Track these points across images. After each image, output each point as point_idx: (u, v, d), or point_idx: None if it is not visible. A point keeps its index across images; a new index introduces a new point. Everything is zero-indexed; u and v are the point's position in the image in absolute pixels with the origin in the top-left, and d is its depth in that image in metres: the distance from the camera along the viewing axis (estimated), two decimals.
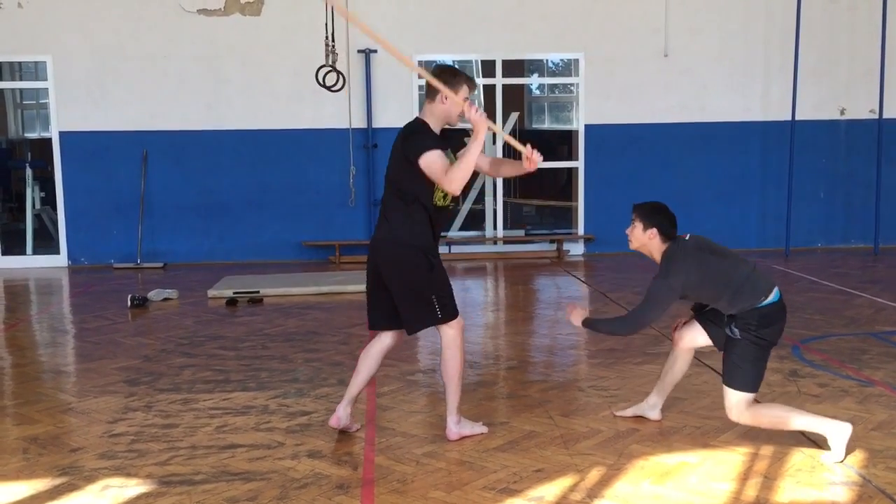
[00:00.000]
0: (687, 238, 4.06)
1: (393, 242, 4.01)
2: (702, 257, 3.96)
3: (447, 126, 4.12)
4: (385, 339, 4.25)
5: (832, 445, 3.84)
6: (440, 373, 4.23)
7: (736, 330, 3.92)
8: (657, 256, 4.06)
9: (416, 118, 4.12)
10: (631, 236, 4.11)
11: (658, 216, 4.05)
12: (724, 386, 3.96)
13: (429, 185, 3.95)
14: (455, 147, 4.19)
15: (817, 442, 4.03)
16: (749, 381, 3.90)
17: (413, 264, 3.99)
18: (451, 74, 4.04)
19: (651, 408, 4.42)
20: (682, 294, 3.98)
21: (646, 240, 4.04)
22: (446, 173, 3.84)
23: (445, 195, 4.04)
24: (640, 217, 4.07)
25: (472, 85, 4.07)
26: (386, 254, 4.03)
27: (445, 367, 4.11)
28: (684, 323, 4.31)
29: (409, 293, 4.01)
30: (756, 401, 3.98)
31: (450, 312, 4.06)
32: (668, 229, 4.04)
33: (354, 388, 4.26)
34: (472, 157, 3.86)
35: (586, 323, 4.14)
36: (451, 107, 4.01)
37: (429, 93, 4.06)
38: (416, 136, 3.98)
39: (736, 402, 3.92)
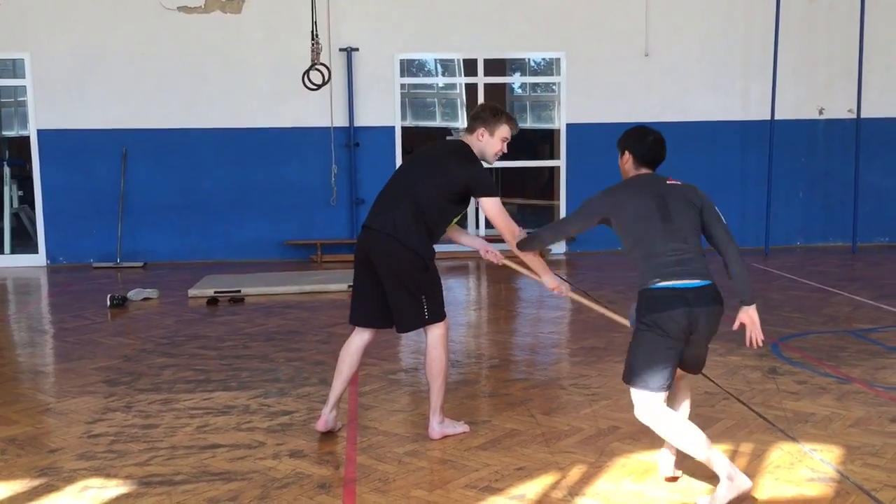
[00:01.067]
0: (658, 177, 3.63)
1: (394, 239, 3.98)
2: (643, 198, 3.49)
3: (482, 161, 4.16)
4: (364, 335, 4.24)
5: (720, 492, 3.21)
6: (424, 372, 4.23)
7: (633, 313, 3.47)
8: None
9: (464, 142, 4.14)
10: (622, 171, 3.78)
11: (629, 140, 3.68)
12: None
13: (455, 212, 4.08)
14: None
15: (796, 438, 4.07)
16: (634, 370, 3.34)
17: (410, 263, 4.00)
18: (491, 113, 4.12)
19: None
20: (604, 216, 3.57)
21: (623, 166, 3.70)
22: (511, 228, 4.06)
23: (462, 218, 4.14)
24: (620, 144, 3.75)
25: (512, 125, 4.12)
26: (382, 247, 3.99)
27: (430, 366, 4.11)
28: None
29: (401, 291, 4.02)
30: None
31: (437, 314, 4.07)
32: (643, 154, 3.62)
33: (338, 388, 4.24)
34: (531, 262, 4.17)
35: (520, 245, 4.03)
36: (487, 146, 4.11)
37: (469, 126, 4.14)
38: (481, 169, 4.04)
39: (634, 399, 3.38)
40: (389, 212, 4.03)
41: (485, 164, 4.13)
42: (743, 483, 3.21)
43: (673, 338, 3.35)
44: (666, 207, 3.50)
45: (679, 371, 3.56)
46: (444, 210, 4.08)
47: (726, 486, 3.20)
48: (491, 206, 4.04)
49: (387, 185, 4.24)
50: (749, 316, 3.63)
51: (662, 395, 3.35)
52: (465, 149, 4.12)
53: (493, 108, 4.18)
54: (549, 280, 4.14)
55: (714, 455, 3.25)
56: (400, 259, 3.98)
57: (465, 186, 4.01)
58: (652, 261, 3.41)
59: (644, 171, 3.68)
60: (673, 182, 3.63)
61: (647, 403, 3.34)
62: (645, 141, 3.67)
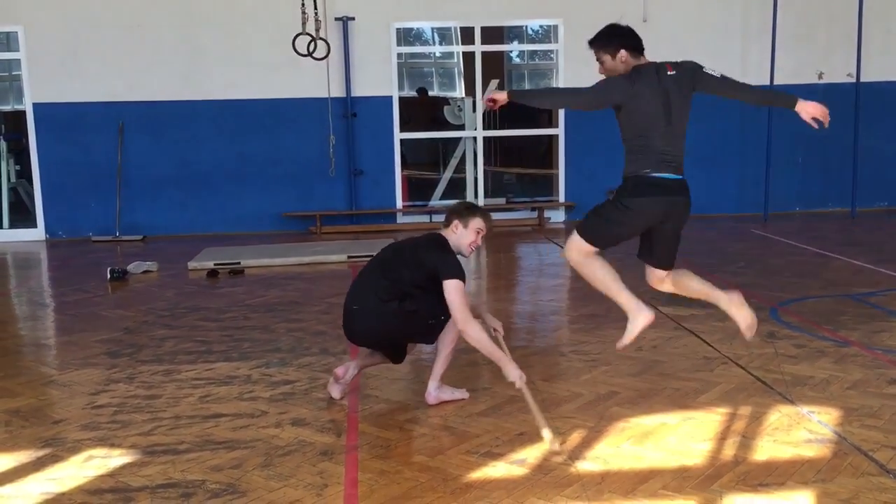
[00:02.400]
0: (661, 66, 3.86)
1: (372, 313, 4.08)
2: (654, 94, 3.79)
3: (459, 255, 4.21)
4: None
5: (628, 328, 3.99)
6: (438, 340, 4.22)
7: (612, 192, 3.96)
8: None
9: (441, 235, 4.21)
10: (604, 72, 3.91)
11: (618, 37, 3.83)
12: (575, 229, 4.06)
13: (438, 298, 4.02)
14: None
15: (794, 401, 4.10)
16: (591, 229, 3.93)
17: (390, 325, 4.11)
18: (465, 207, 4.23)
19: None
20: (619, 103, 3.80)
21: (623, 67, 3.82)
22: (465, 311, 3.95)
23: None
24: (602, 48, 3.85)
25: (486, 218, 4.22)
26: (363, 324, 4.17)
27: (446, 337, 4.15)
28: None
29: (406, 337, 4.30)
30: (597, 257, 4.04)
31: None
32: (635, 45, 3.84)
33: (366, 361, 4.38)
34: (488, 350, 4.01)
35: (513, 95, 4.03)
36: (462, 237, 4.17)
37: (445, 220, 4.23)
38: (451, 256, 4.09)
39: (572, 242, 3.99)
40: (367, 290, 4.12)
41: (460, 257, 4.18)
42: (645, 316, 3.95)
43: (637, 226, 3.90)
44: (669, 107, 3.84)
45: (658, 274, 4.15)
46: (428, 298, 4.08)
47: (631, 322, 3.98)
48: (452, 291, 3.96)
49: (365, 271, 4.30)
50: (811, 104, 4.15)
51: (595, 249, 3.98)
52: (440, 239, 4.19)
53: (468, 204, 4.33)
54: (511, 371, 3.98)
55: (622, 296, 3.97)
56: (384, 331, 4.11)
57: (437, 270, 4.02)
58: (648, 154, 3.79)
59: (642, 59, 3.84)
60: (672, 72, 3.85)
61: (584, 250, 3.97)
62: (633, 33, 3.86)
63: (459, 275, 4.02)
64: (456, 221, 4.19)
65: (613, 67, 3.88)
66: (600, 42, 3.89)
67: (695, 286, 4.09)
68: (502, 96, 4.09)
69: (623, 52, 3.84)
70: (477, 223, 4.19)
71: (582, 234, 3.97)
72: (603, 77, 3.96)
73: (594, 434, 3.78)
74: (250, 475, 3.45)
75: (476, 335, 3.98)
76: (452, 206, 4.31)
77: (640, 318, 4.03)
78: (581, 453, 3.57)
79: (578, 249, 3.97)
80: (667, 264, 4.15)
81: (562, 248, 4.22)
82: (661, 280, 4.22)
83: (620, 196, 3.84)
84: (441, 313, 4.07)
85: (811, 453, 3.51)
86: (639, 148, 3.81)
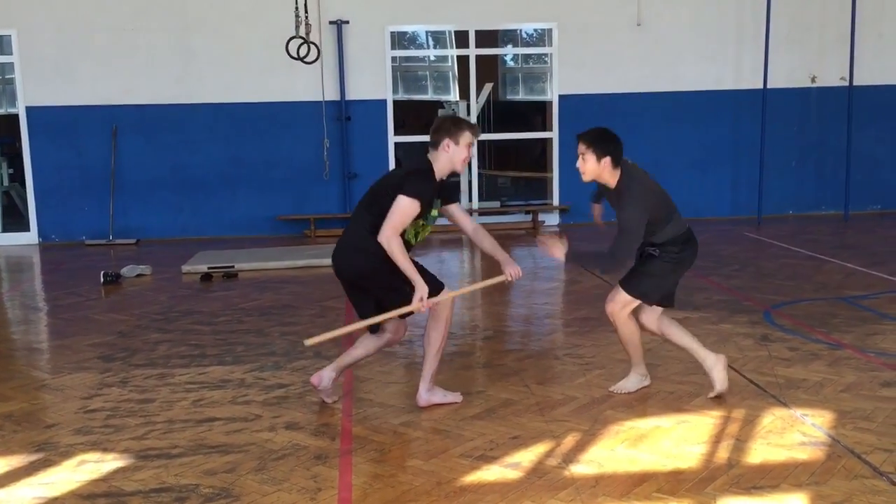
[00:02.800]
0: (630, 162, 4.15)
1: (352, 254, 4.09)
2: (652, 180, 4.13)
3: (452, 173, 4.20)
4: (385, 336, 4.27)
5: (628, 382, 4.32)
6: (423, 341, 4.25)
7: (655, 250, 4.11)
8: (612, 182, 4.09)
9: (427, 160, 4.15)
10: (583, 169, 4.09)
11: (610, 144, 4.04)
12: (619, 285, 4.21)
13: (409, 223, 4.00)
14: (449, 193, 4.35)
15: (788, 404, 4.11)
16: (644, 288, 4.15)
17: (375, 268, 4.04)
18: (452, 123, 4.14)
19: (643, 377, 4.45)
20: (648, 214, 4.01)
21: (600, 170, 4.06)
22: (394, 226, 3.92)
23: (416, 235, 4.15)
24: (591, 148, 4.04)
25: (474, 130, 4.16)
26: (346, 264, 4.13)
27: (430, 336, 4.17)
28: None
29: (389, 293, 4.08)
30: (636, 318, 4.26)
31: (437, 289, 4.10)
32: (619, 156, 4.07)
33: (346, 361, 4.32)
34: (402, 264, 3.95)
35: (571, 257, 4.12)
36: (455, 155, 4.11)
37: (433, 141, 4.13)
38: (417, 176, 4.05)
39: (621, 300, 4.16)
40: (354, 224, 4.13)
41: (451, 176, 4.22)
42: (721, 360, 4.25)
43: (681, 271, 4.22)
44: (661, 187, 4.20)
45: (657, 313, 4.30)
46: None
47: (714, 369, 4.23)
48: (396, 204, 3.94)
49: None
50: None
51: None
52: (419, 165, 4.13)
53: (453, 119, 4.22)
54: (421, 287, 4.00)
55: (700, 351, 4.27)
56: (364, 269, 4.05)
57: (401, 188, 3.98)
58: (678, 219, 4.15)
59: (623, 164, 4.09)
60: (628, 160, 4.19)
61: (629, 307, 4.18)
62: (620, 143, 4.10)
63: (417, 195, 3.96)
64: (447, 140, 4.10)
65: (593, 168, 4.07)
66: (592, 142, 4.07)
67: (685, 341, 4.27)
68: (559, 253, 4.15)
69: (607, 160, 4.03)
70: (467, 137, 4.13)
71: (632, 292, 4.18)
72: (583, 172, 4.14)
73: (588, 437, 3.78)
74: (244, 479, 3.44)
75: (395, 249, 3.91)
76: (438, 124, 4.15)
77: (718, 364, 4.25)
78: (575, 456, 3.57)
79: (626, 306, 4.19)
80: (672, 302, 4.37)
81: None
82: (657, 321, 4.31)
83: (669, 253, 4.12)
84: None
85: (805, 456, 3.52)
86: (668, 218, 4.11)
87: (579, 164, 4.11)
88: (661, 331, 4.27)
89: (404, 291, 4.00)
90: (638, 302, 4.19)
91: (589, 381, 4.60)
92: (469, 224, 4.43)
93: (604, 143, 4.03)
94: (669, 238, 4.12)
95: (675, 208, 4.16)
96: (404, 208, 3.94)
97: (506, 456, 3.60)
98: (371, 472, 3.46)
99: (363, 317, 4.17)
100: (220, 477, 3.46)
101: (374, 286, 4.10)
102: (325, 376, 4.25)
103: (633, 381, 4.39)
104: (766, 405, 4.11)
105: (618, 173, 4.06)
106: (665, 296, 4.28)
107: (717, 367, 4.22)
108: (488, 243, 4.34)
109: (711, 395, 4.23)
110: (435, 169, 4.11)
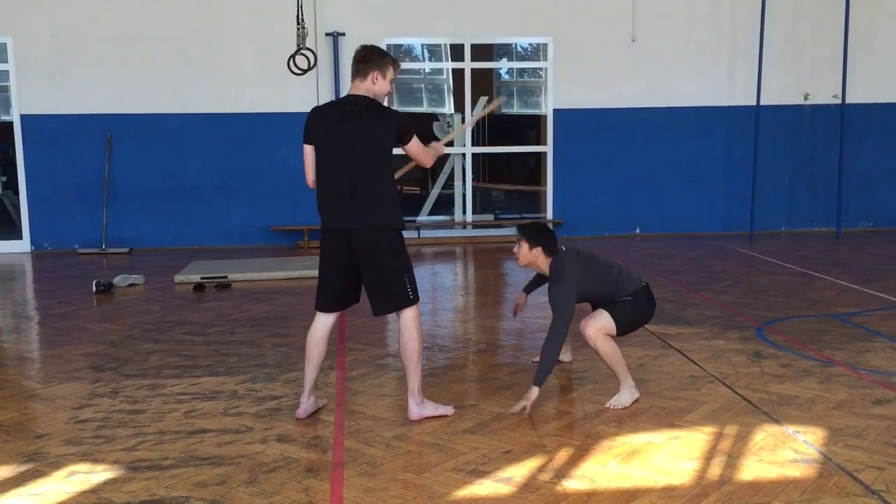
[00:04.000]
0: (565, 249, 4.53)
1: (382, 227, 4.05)
2: (584, 261, 4.47)
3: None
4: (329, 319, 4.28)
5: (621, 397, 4.42)
6: (401, 355, 4.24)
7: (629, 298, 4.52)
8: (545, 269, 4.51)
9: (366, 97, 4.10)
10: (518, 254, 4.52)
11: (541, 235, 4.50)
12: (604, 310, 4.45)
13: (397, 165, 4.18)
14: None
15: (779, 421, 4.11)
16: (623, 320, 4.46)
17: (398, 247, 4.09)
18: (379, 56, 4.14)
19: (633, 390, 4.55)
20: (577, 296, 4.38)
21: (532, 257, 4.49)
22: (427, 154, 4.28)
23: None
24: (525, 238, 4.48)
25: (396, 65, 4.24)
26: (372, 239, 4.04)
27: (405, 347, 4.16)
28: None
29: (387, 277, 4.08)
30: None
31: (417, 294, 4.15)
32: (551, 246, 4.47)
33: (311, 375, 4.29)
34: (439, 150, 4.47)
35: (539, 383, 4.27)
36: (380, 88, 4.15)
37: (359, 71, 4.11)
38: (401, 116, 4.17)
39: (605, 325, 4.41)
40: (363, 198, 4.03)
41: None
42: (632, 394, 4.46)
43: (645, 317, 4.62)
44: (590, 254, 4.57)
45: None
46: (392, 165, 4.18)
47: (624, 393, 4.46)
48: (416, 147, 4.19)
49: (328, 175, 4.12)
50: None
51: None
52: (374, 103, 4.11)
53: (378, 50, 4.18)
54: (441, 146, 4.51)
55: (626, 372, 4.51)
56: (389, 245, 4.06)
57: (402, 137, 4.11)
58: (622, 277, 4.53)
59: (560, 252, 4.46)
60: (564, 247, 4.55)
61: (612, 337, 4.46)
62: (550, 233, 4.56)
63: (414, 131, 4.19)
64: (376, 72, 4.09)
65: (525, 254, 4.48)
66: (528, 233, 4.48)
67: (613, 357, 4.45)
68: (533, 395, 4.27)
69: (539, 249, 4.45)
70: (391, 73, 4.18)
71: (615, 320, 4.44)
72: (517, 258, 4.56)
73: (581, 452, 3.78)
74: (235, 492, 3.42)
75: (433, 155, 4.37)
76: (363, 54, 4.11)
77: (635, 395, 4.47)
78: (568, 471, 3.57)
79: (610, 334, 4.44)
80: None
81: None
82: (604, 335, 4.50)
83: (642, 301, 4.54)
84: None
85: (797, 473, 3.52)
86: (615, 288, 4.50)
87: (515, 249, 4.53)
88: (597, 345, 4.40)
89: (400, 282, 4.09)
90: (614, 332, 4.45)
91: (581, 395, 4.60)
92: None
93: (537, 234, 4.49)
94: (631, 293, 4.50)
95: (622, 276, 4.50)
96: (420, 143, 4.21)
97: (498, 470, 3.59)
98: (363, 486, 3.45)
99: (326, 309, 4.24)
100: (210, 489, 3.45)
101: (381, 266, 4.09)
102: (304, 402, 4.28)
103: (627, 395, 4.44)
104: (758, 422, 4.12)
105: (550, 261, 4.45)
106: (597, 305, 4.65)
107: (628, 393, 4.43)
108: None
109: (608, 404, 4.38)
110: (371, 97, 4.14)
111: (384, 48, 4.45)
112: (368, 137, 4.02)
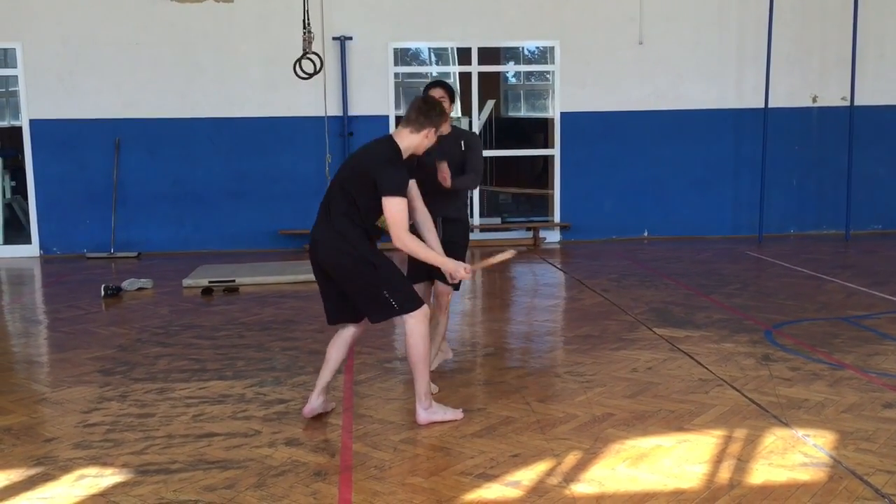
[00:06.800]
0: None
1: (333, 246, 4.06)
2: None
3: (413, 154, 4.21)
4: (350, 329, 4.31)
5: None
6: (408, 359, 4.25)
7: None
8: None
9: (391, 138, 4.16)
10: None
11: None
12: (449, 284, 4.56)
13: (379, 211, 4.03)
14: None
15: (789, 424, 4.09)
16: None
17: (356, 266, 4.05)
18: (438, 114, 4.13)
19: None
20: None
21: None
22: (403, 229, 3.99)
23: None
24: (449, 96, 4.71)
25: (444, 119, 4.22)
26: (327, 255, 4.08)
27: (409, 354, 4.17)
28: None
29: (361, 292, 4.10)
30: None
31: (409, 304, 4.10)
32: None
33: (325, 377, 4.31)
34: (424, 256, 4.12)
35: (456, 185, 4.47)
36: (424, 141, 4.14)
37: (409, 120, 4.13)
38: (392, 168, 4.03)
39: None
40: (327, 216, 4.10)
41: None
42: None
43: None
44: None
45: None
46: (372, 208, 4.06)
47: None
48: (390, 209, 3.97)
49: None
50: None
51: None
52: (385, 148, 4.12)
53: (430, 104, 4.18)
54: (451, 266, 4.17)
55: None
56: (346, 264, 4.05)
57: (379, 186, 4.00)
58: None
59: None
60: None
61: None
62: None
63: (398, 192, 3.97)
64: (430, 129, 4.11)
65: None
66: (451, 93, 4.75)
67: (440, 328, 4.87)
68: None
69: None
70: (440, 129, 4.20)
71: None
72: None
73: (589, 456, 3.77)
74: (243, 495, 3.42)
75: (412, 245, 4.05)
76: (426, 108, 4.12)
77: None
78: (576, 475, 3.56)
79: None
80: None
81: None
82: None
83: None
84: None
85: (806, 477, 3.50)
86: None
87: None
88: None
89: (378, 296, 4.06)
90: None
91: (590, 398, 4.58)
92: (420, 204, 4.31)
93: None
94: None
95: None
96: (400, 210, 3.98)
97: (506, 474, 3.58)
98: (371, 490, 3.45)
99: (333, 322, 4.27)
100: (219, 493, 3.45)
101: (351, 283, 4.10)
102: (313, 401, 4.29)
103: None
104: (768, 425, 4.10)
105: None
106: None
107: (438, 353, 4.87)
108: (431, 237, 4.32)
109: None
110: (402, 147, 4.12)
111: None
112: (356, 167, 4.11)
